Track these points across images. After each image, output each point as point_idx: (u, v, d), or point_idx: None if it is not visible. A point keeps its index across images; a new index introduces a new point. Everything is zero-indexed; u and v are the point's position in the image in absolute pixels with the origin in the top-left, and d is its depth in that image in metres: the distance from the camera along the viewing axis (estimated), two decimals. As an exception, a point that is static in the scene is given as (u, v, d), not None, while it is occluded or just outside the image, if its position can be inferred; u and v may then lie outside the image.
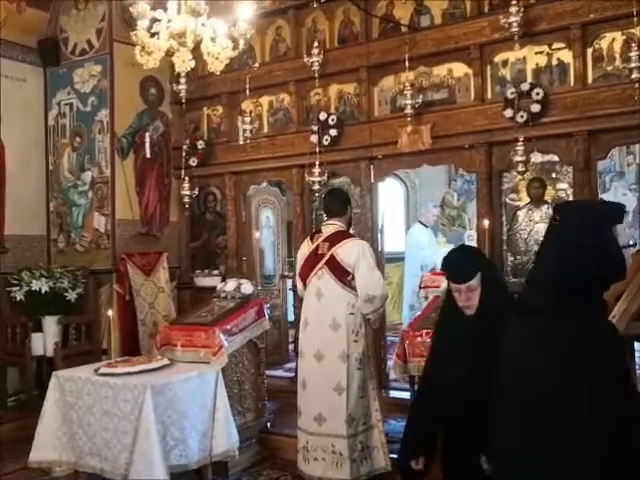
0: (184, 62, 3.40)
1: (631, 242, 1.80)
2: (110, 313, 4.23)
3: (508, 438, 1.86)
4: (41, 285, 6.17)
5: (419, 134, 5.48)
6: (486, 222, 4.60)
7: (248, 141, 5.74)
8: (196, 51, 3.82)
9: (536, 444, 1.73)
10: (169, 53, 3.49)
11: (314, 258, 4.37)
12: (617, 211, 1.92)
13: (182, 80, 5.51)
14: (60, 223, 7.01)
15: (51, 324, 6.22)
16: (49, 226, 7.10)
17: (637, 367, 4.41)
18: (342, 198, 4.57)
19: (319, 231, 4.49)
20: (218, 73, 3.78)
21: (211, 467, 4.26)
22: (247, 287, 4.96)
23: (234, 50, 3.56)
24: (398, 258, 8.86)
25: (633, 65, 4.46)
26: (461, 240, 8.31)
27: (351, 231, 4.66)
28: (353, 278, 4.25)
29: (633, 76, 4.48)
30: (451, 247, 7.46)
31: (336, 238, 4.34)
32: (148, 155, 6.52)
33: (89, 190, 6.78)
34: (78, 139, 6.88)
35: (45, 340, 6.18)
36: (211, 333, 4.52)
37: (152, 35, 3.42)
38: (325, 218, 4.60)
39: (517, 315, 1.99)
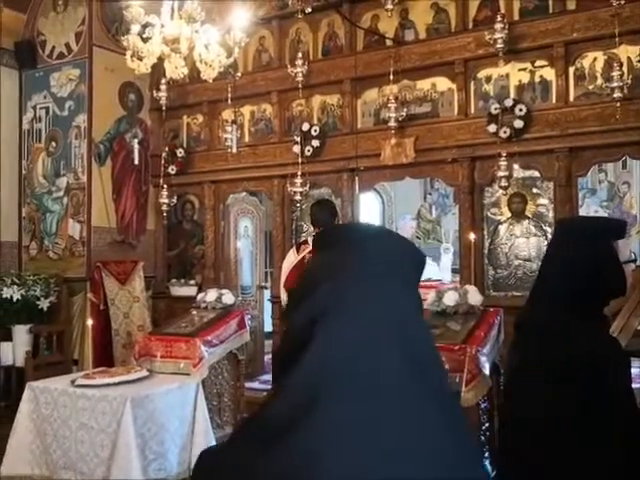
0: (177, 69, 3.34)
1: (633, 257, 1.80)
2: (90, 323, 4.11)
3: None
4: (12, 293, 6.01)
5: (402, 147, 5.50)
6: (472, 236, 4.64)
7: (233, 150, 5.67)
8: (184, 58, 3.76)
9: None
10: (160, 59, 3.43)
11: (300, 269, 4.32)
12: (618, 226, 1.93)
13: (163, 87, 5.46)
14: (33, 229, 6.84)
15: (21, 333, 6.04)
16: (21, 232, 6.92)
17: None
18: (330, 210, 4.56)
19: (305, 242, 4.46)
20: (211, 81, 3.74)
21: (189, 481, 4.18)
22: (228, 297, 4.88)
23: (228, 58, 3.53)
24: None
25: (614, 85, 4.54)
26: (437, 253, 8.36)
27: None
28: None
29: (614, 95, 4.55)
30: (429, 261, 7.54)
31: (322, 249, 4.29)
32: (136, 161, 6.41)
33: (64, 196, 6.63)
34: (54, 144, 6.73)
35: (15, 349, 6.00)
36: (192, 344, 4.43)
37: (144, 40, 3.36)
38: (306, 228, 4.54)
39: (518, 330, 1.98)
